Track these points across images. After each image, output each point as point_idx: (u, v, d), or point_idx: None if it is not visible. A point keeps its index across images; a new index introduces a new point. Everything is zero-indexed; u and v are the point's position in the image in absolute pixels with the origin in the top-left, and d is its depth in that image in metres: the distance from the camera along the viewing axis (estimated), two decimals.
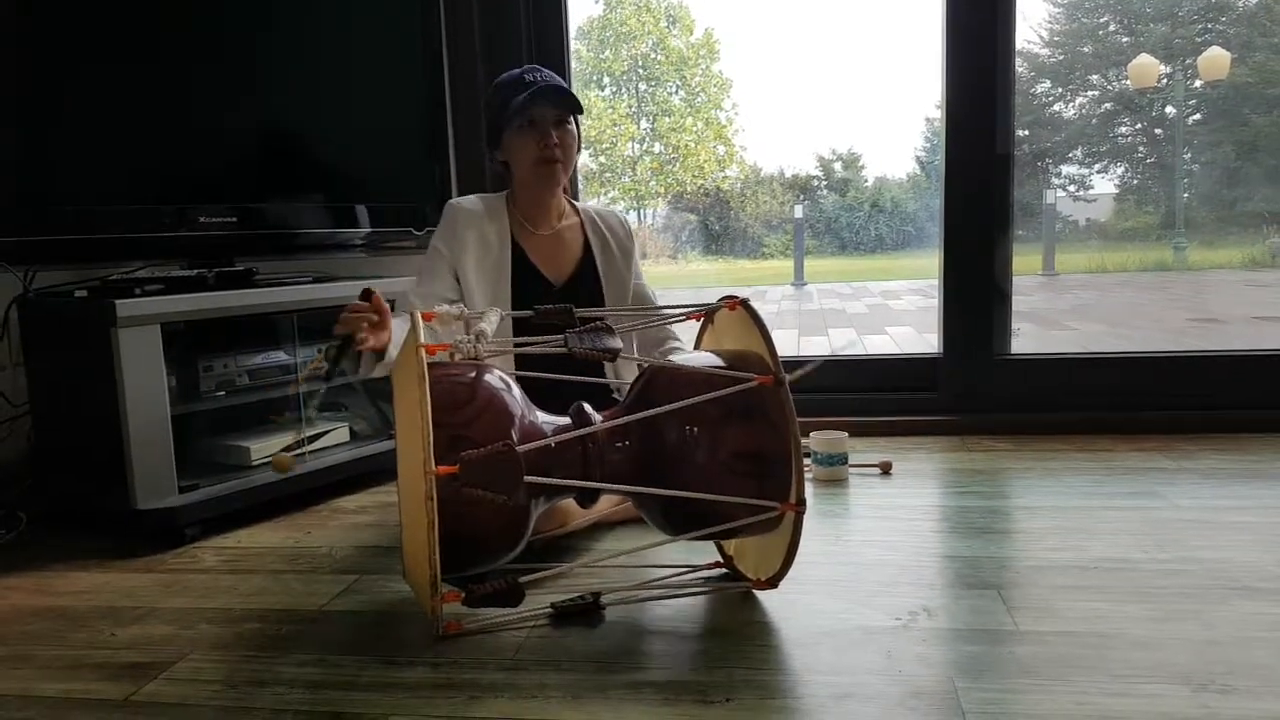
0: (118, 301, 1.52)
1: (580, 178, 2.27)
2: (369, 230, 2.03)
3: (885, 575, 1.31)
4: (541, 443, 1.15)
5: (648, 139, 9.80)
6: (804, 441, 1.43)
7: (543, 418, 1.20)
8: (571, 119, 1.59)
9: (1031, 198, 6.38)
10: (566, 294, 1.60)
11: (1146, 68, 6.19)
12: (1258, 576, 1.26)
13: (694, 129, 9.62)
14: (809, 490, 1.71)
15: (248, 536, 1.62)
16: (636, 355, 1.65)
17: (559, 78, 1.60)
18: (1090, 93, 6.87)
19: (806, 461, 1.65)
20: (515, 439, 1.11)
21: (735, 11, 10.23)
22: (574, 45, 2.44)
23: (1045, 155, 6.74)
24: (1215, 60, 5.75)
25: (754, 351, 1.22)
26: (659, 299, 1.76)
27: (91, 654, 1.17)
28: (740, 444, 1.17)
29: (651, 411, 1.16)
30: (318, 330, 1.93)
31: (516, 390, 1.19)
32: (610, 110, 9.61)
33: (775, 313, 6.33)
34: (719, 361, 1.24)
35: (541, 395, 1.25)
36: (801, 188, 9.12)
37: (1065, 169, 6.83)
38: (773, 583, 1.22)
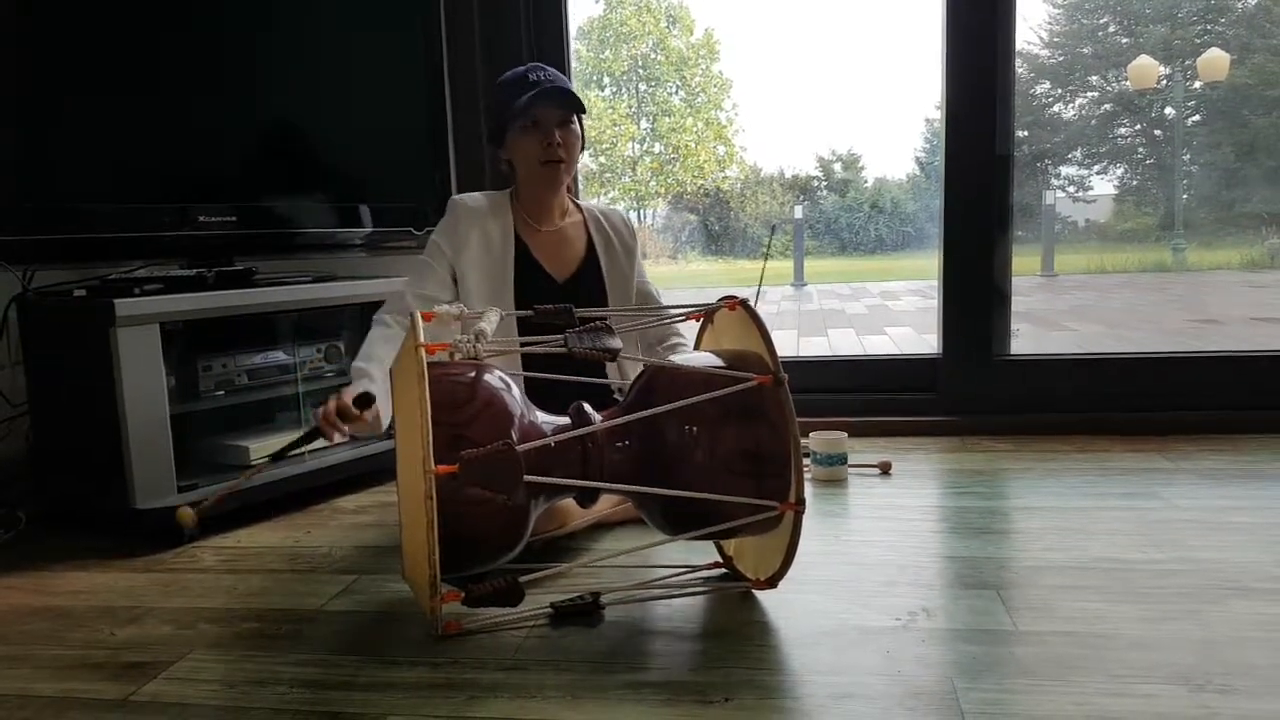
0: (117, 301, 1.52)
1: (580, 178, 2.27)
2: (368, 230, 2.03)
3: (884, 575, 1.31)
4: (541, 442, 1.15)
5: (648, 139, 9.81)
6: (803, 441, 1.43)
7: (542, 417, 1.20)
8: (575, 118, 1.59)
9: (1031, 198, 6.39)
10: (569, 290, 1.61)
11: (1146, 69, 6.20)
12: (1255, 577, 1.26)
13: (694, 129, 9.62)
14: (808, 490, 1.71)
15: (247, 536, 1.62)
16: (637, 355, 1.66)
17: (563, 76, 1.60)
18: (1090, 94, 6.88)
19: (806, 461, 1.65)
20: (515, 438, 1.11)
21: (735, 11, 10.25)
22: (574, 45, 2.44)
23: (1045, 156, 6.74)
24: (1214, 62, 5.76)
25: (753, 351, 1.22)
26: (663, 297, 1.76)
27: (90, 654, 1.17)
28: (740, 444, 1.17)
29: (651, 411, 1.16)
30: (318, 330, 1.93)
31: (516, 390, 1.19)
32: (610, 110, 9.62)
33: (775, 313, 6.33)
34: (719, 361, 1.24)
35: (541, 395, 1.25)
36: (801, 188, 9.12)
37: (1065, 170, 6.85)
38: (772, 583, 1.22)
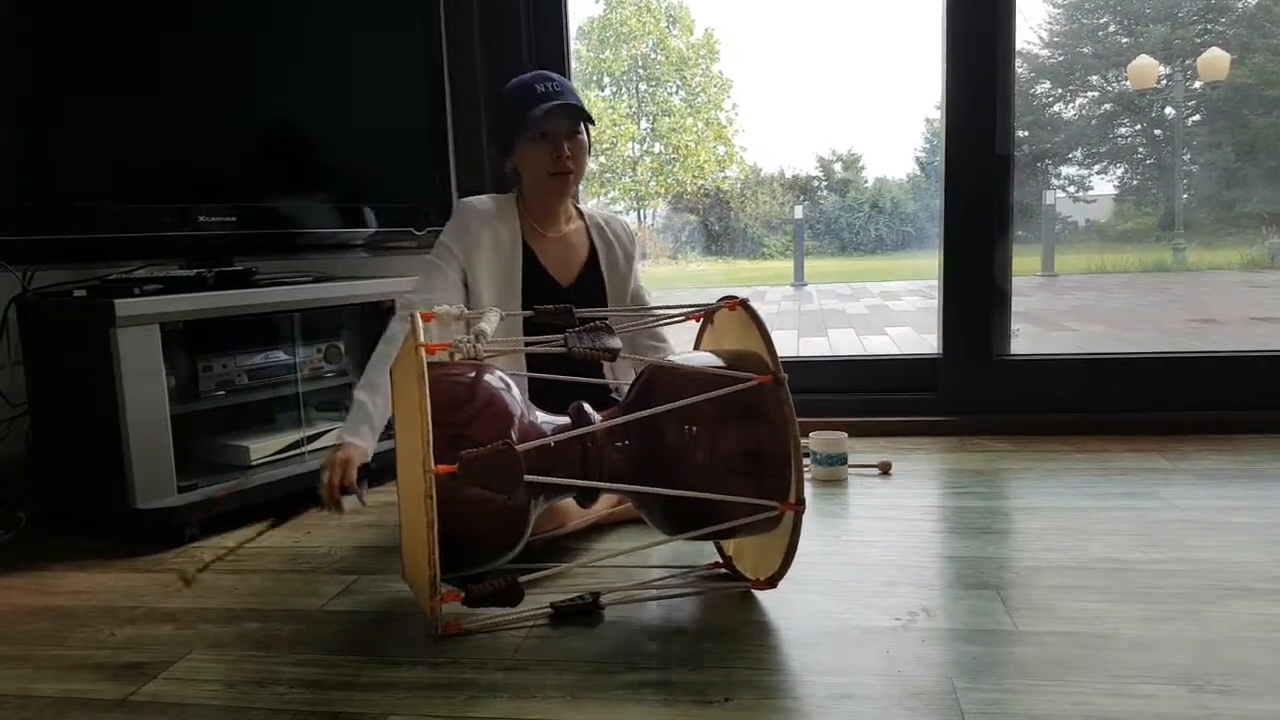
0: (117, 301, 1.52)
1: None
2: (368, 230, 2.03)
3: (884, 575, 1.31)
4: (541, 442, 1.15)
5: (648, 139, 9.81)
6: (803, 441, 1.43)
7: (542, 417, 1.21)
8: (583, 128, 1.61)
9: (1031, 198, 6.38)
10: (573, 295, 1.62)
11: (1146, 69, 6.20)
12: (1254, 577, 1.26)
13: (694, 129, 9.62)
14: (808, 490, 1.71)
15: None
16: (635, 355, 1.66)
17: (568, 83, 1.61)
18: (1090, 93, 6.88)
19: (806, 461, 1.65)
20: (515, 438, 1.11)
21: (735, 11, 10.24)
22: (574, 45, 2.44)
23: (1045, 156, 6.74)
24: (1214, 61, 5.76)
25: (753, 351, 1.22)
26: (654, 300, 1.77)
27: (90, 654, 1.17)
28: (740, 443, 1.17)
29: (651, 411, 1.16)
30: (318, 330, 1.93)
31: (516, 390, 1.19)
32: (610, 110, 9.61)
33: (775, 313, 6.33)
34: (718, 361, 1.24)
35: (541, 395, 1.25)
36: (801, 188, 9.12)
37: (1065, 170, 6.84)
38: (772, 583, 1.22)
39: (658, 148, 9.70)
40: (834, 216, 8.85)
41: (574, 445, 1.18)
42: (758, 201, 9.23)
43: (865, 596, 1.24)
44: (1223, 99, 5.90)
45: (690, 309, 1.38)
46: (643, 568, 1.36)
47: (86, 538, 1.62)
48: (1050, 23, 6.83)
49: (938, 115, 2.28)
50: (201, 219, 1.72)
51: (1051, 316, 5.41)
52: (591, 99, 9.31)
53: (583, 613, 1.20)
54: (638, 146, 9.75)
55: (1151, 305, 6.14)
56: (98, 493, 1.62)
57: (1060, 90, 6.92)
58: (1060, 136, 6.76)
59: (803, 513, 1.16)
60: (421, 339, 1.11)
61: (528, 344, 1.23)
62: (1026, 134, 6.55)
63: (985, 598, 1.22)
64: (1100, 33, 6.89)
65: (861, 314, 6.24)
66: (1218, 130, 6.02)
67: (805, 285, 7.86)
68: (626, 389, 1.30)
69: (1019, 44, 2.18)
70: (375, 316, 1.93)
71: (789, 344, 4.72)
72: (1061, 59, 6.84)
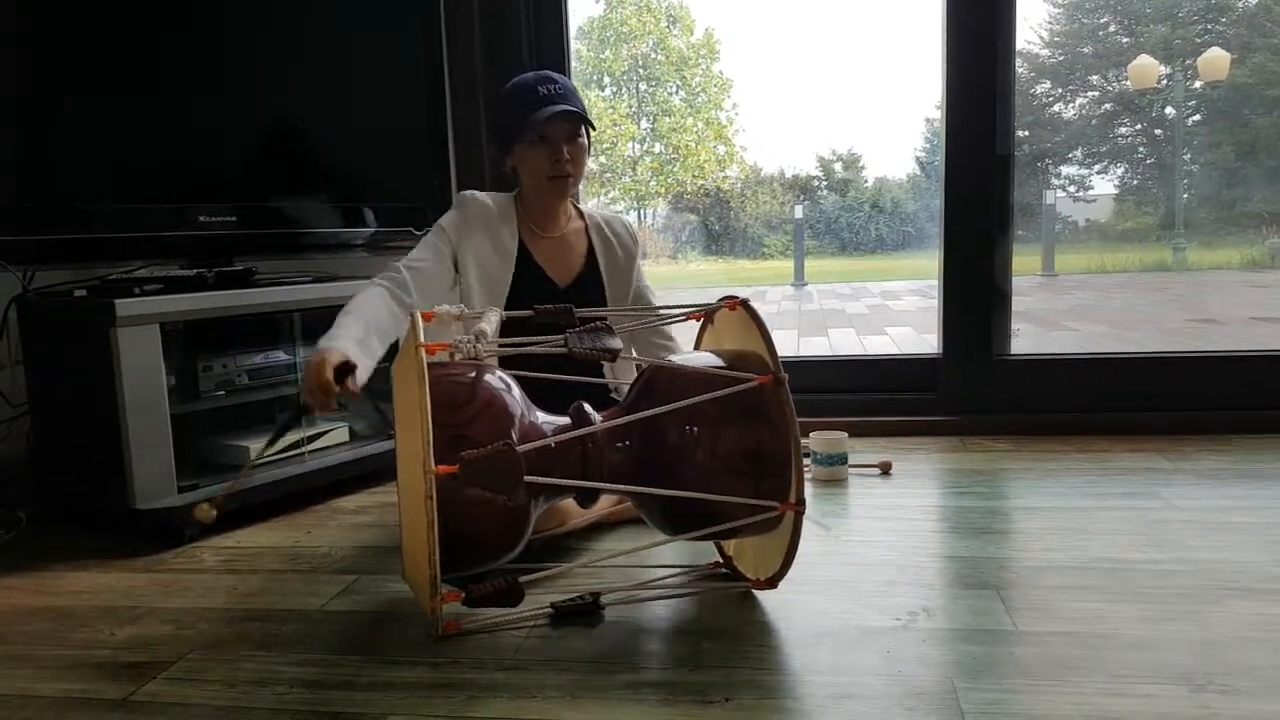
0: (117, 301, 1.52)
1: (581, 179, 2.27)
2: (368, 230, 2.03)
3: (885, 575, 1.31)
4: (541, 442, 1.15)
5: (648, 139, 9.80)
6: (804, 441, 1.43)
7: (543, 418, 1.21)
8: (583, 130, 1.61)
9: (1031, 198, 6.38)
10: (571, 296, 1.62)
11: (1146, 68, 6.19)
12: (1255, 577, 1.26)
13: (694, 129, 9.62)
14: (809, 490, 1.71)
15: (247, 536, 1.62)
16: (636, 355, 1.66)
17: (570, 85, 1.61)
18: (1090, 93, 6.88)
19: (806, 462, 1.65)
20: (515, 439, 1.11)
21: (735, 11, 10.23)
22: (574, 45, 2.44)
23: (1045, 156, 6.74)
24: (1215, 61, 5.76)
25: (753, 351, 1.22)
26: (658, 300, 1.77)
27: (91, 654, 1.17)
28: (740, 444, 1.17)
29: (651, 411, 1.16)
30: (318, 330, 1.92)
31: (516, 390, 1.19)
32: (610, 110, 9.61)
33: (775, 313, 6.33)
34: (719, 361, 1.24)
35: (542, 395, 1.25)
36: (802, 188, 9.12)
37: (1065, 170, 6.84)
38: (772, 583, 1.22)
39: (658, 148, 9.70)
40: (834, 216, 8.85)
41: (574, 445, 1.18)
42: (758, 201, 9.23)
43: (865, 596, 1.24)
44: (1223, 99, 5.90)
45: (690, 309, 1.38)
46: (643, 568, 1.36)
47: (86, 538, 1.62)
48: (1050, 22, 6.83)
49: (938, 115, 2.28)
50: (201, 219, 1.72)
51: (1052, 316, 5.41)
52: (591, 99, 9.31)
53: (583, 613, 1.20)
54: (638, 146, 9.75)
55: (1151, 305, 6.14)
56: (98, 493, 1.62)
57: (1060, 90, 6.92)
58: (1060, 136, 6.76)
59: (803, 513, 1.16)
60: (421, 339, 1.11)
61: (528, 344, 1.23)
62: (1026, 134, 6.55)
63: (985, 598, 1.22)
64: (1100, 32, 6.89)
65: (862, 314, 6.24)
66: (1218, 130, 6.02)
67: (805, 285, 7.86)
68: (626, 389, 1.30)
69: (1019, 44, 2.18)
70: None
71: (789, 344, 4.72)
72: (1062, 59, 6.84)
